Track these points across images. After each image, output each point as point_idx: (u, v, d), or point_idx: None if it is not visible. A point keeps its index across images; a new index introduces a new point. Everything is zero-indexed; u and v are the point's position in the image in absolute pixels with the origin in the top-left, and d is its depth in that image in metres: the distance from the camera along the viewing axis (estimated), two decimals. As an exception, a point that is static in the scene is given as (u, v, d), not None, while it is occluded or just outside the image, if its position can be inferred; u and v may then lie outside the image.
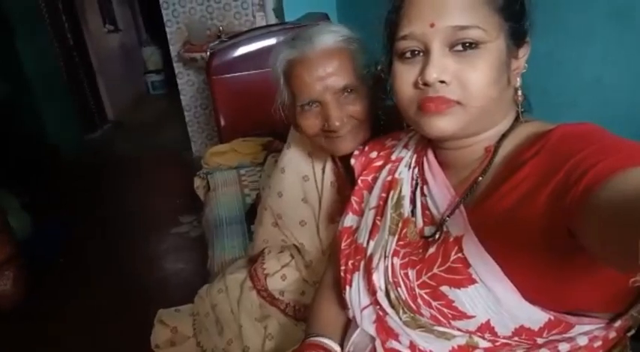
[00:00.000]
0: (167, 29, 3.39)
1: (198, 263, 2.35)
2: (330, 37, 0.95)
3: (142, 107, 5.95)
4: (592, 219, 0.47)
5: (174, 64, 3.50)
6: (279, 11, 3.12)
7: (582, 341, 0.64)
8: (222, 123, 2.21)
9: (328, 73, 0.92)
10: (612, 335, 0.65)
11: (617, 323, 0.65)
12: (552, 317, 0.62)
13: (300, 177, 1.14)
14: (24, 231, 2.56)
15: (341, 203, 1.09)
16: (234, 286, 1.22)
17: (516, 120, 0.71)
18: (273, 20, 3.15)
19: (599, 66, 1.11)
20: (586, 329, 0.64)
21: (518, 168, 0.63)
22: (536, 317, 0.62)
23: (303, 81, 0.94)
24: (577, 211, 0.50)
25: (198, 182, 2.06)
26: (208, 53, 2.22)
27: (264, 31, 2.40)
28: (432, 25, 0.64)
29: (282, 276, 1.18)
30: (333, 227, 1.10)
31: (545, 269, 0.59)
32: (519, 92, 0.70)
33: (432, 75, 0.64)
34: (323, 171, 1.11)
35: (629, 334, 0.67)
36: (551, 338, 0.64)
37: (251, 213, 1.68)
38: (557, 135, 0.61)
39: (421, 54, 0.67)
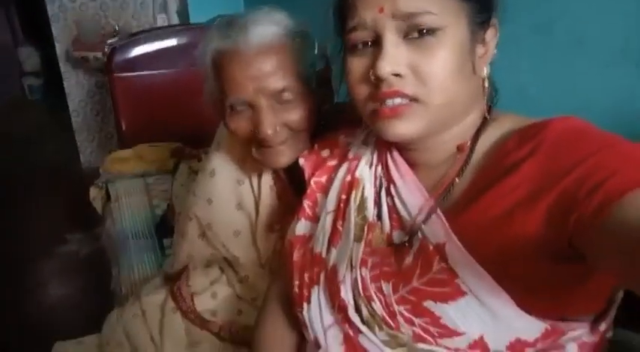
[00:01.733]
0: (52, 25, 3.02)
1: (94, 285, 2.05)
2: (270, 29, 0.81)
3: (19, 114, 5.30)
4: (611, 240, 0.45)
5: (61, 65, 3.13)
6: (183, 13, 2.94)
7: (572, 348, 0.60)
8: (124, 127, 1.99)
9: (264, 72, 0.79)
10: (597, 339, 0.62)
11: (602, 327, 0.61)
12: (549, 327, 0.57)
13: (233, 181, 1.00)
14: None
15: (281, 210, 0.98)
16: (153, 309, 1.04)
17: (487, 113, 0.66)
18: (175, 23, 2.95)
19: (524, 77, 1.14)
20: (575, 335, 0.59)
21: (512, 169, 0.57)
22: (533, 327, 0.57)
23: (234, 78, 0.80)
24: (590, 228, 0.47)
25: (95, 192, 1.82)
26: (107, 49, 1.99)
27: (170, 30, 2.23)
28: (380, 10, 0.58)
29: (213, 294, 1.02)
30: (273, 237, 0.98)
31: (540, 278, 0.55)
32: (486, 83, 0.65)
33: (385, 68, 0.57)
34: (259, 175, 0.98)
35: (608, 336, 0.65)
36: (540, 346, 0.59)
37: (162, 226, 1.50)
38: (555, 132, 0.56)
39: (373, 45, 0.61)
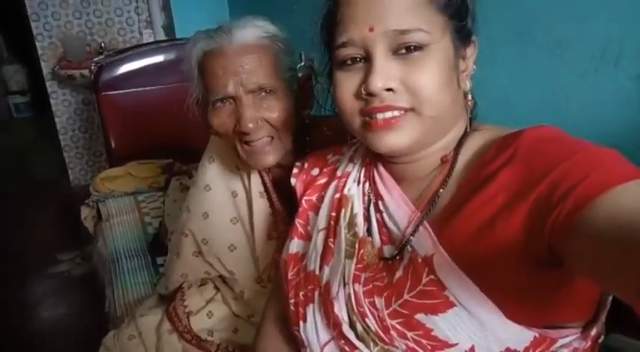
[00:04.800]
0: (37, 44, 3.02)
1: (86, 306, 2.05)
2: (252, 31, 0.88)
3: (5, 133, 5.24)
4: (584, 242, 0.45)
5: (47, 83, 3.12)
6: (169, 29, 2.95)
7: None
8: (113, 144, 1.98)
9: (245, 69, 0.85)
10: (589, 345, 0.63)
11: (593, 332, 0.62)
12: (537, 335, 0.57)
13: (229, 194, 1.01)
14: None
15: (273, 216, 1.00)
16: (149, 331, 1.04)
17: (469, 126, 0.67)
18: (161, 38, 2.96)
19: (506, 84, 1.16)
20: (566, 342, 0.60)
21: (489, 179, 0.58)
22: (521, 336, 0.57)
23: (217, 75, 0.86)
24: (563, 232, 0.48)
25: (86, 212, 1.80)
26: (93, 67, 1.99)
27: (156, 46, 2.23)
28: (370, 30, 0.59)
29: (209, 313, 1.02)
30: (272, 244, 0.99)
31: (524, 285, 0.55)
32: (469, 96, 0.67)
33: (377, 84, 0.58)
34: (249, 182, 1.00)
35: (600, 341, 0.66)
36: None
37: (155, 244, 1.50)
38: (529, 141, 0.57)
39: (362, 61, 0.61)
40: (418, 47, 0.58)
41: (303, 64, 1.70)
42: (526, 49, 1.11)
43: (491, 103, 0.69)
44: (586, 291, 0.59)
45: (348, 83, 0.62)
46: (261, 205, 0.99)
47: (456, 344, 0.58)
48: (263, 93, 0.86)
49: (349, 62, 0.62)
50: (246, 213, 1.01)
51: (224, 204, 1.02)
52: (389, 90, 0.59)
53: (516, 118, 1.13)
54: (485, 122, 0.69)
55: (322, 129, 0.95)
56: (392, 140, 0.61)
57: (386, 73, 0.58)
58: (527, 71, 1.12)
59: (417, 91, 0.59)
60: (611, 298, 0.63)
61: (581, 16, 0.99)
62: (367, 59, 0.60)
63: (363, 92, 0.60)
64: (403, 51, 0.59)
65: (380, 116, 0.60)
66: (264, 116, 0.86)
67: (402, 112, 0.60)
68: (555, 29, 1.04)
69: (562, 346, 0.60)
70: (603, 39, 0.96)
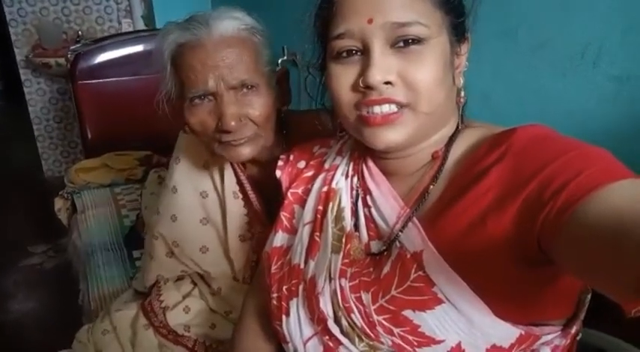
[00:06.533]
0: (11, 30, 2.93)
1: (58, 299, 2.00)
2: (231, 23, 0.83)
3: (-25, 121, 5.08)
4: (575, 240, 0.46)
5: (21, 70, 3.03)
6: (148, 18, 2.89)
7: None
8: (89, 135, 1.93)
9: (226, 63, 0.80)
10: (568, 342, 0.64)
11: (573, 330, 0.63)
12: (523, 332, 0.58)
13: (197, 195, 0.98)
14: None
15: (248, 217, 0.97)
16: (124, 325, 1.02)
17: (460, 123, 0.67)
18: (141, 28, 2.90)
19: (488, 82, 1.17)
20: (548, 339, 0.61)
21: (480, 176, 0.58)
22: (507, 333, 0.58)
23: (195, 69, 0.80)
24: (554, 229, 0.48)
25: (60, 203, 1.76)
26: (70, 55, 1.94)
27: (135, 36, 2.19)
28: (369, 21, 0.58)
29: (185, 308, 1.00)
30: (245, 246, 0.97)
31: (512, 282, 0.56)
32: (462, 93, 0.66)
33: (376, 77, 0.57)
34: (222, 182, 0.96)
35: (578, 338, 0.66)
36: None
37: (132, 237, 1.47)
38: (521, 139, 0.57)
39: (359, 53, 0.60)
40: (416, 41, 0.58)
41: (285, 58, 1.68)
42: (509, 48, 1.11)
43: (474, 100, 0.69)
44: (569, 289, 0.60)
45: (344, 75, 0.61)
46: (235, 206, 0.96)
47: (443, 341, 0.58)
48: (245, 90, 0.82)
49: (345, 54, 0.61)
50: (217, 213, 0.97)
51: (192, 205, 0.98)
52: (387, 83, 0.58)
53: (498, 115, 1.14)
54: (477, 120, 0.69)
55: (300, 124, 0.94)
56: (389, 136, 0.60)
57: (384, 66, 0.58)
58: (510, 69, 1.13)
59: (414, 86, 0.58)
60: (589, 296, 0.63)
61: (563, 16, 1.00)
62: (364, 52, 0.60)
63: (361, 85, 0.59)
64: (401, 44, 0.58)
65: (377, 110, 0.59)
66: (246, 113, 0.83)
67: (399, 109, 0.59)
68: (538, 28, 1.05)
69: (543, 343, 0.61)
70: (583, 39, 0.97)
